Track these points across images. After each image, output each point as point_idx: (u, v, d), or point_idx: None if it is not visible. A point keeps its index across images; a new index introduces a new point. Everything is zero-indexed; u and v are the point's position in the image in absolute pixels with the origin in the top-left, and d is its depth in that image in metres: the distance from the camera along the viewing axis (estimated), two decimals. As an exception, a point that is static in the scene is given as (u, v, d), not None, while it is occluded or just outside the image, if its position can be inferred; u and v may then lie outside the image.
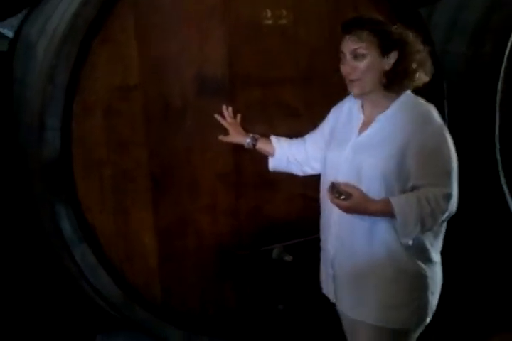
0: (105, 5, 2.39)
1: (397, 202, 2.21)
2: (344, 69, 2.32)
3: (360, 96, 2.38)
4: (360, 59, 2.27)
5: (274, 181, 2.85)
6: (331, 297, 2.52)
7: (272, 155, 2.69)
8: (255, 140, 2.68)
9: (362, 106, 2.44)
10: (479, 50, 3.04)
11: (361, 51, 2.26)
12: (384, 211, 2.23)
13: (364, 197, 2.24)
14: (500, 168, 3.11)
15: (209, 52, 2.63)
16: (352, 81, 2.32)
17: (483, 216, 3.29)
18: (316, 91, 2.84)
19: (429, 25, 2.86)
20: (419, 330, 2.44)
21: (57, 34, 2.32)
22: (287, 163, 2.68)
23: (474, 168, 3.04)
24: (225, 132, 2.67)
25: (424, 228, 2.24)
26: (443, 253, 2.43)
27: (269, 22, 2.69)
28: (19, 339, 2.87)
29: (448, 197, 2.24)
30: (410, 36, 2.30)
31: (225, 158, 2.75)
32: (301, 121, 2.78)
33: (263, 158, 2.75)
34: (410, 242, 2.28)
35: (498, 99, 3.07)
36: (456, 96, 2.93)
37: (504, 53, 3.01)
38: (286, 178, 2.83)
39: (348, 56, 2.30)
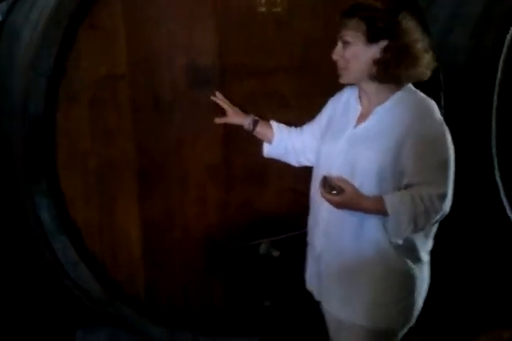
0: (92, -11, 2.28)
1: (390, 200, 2.15)
2: (333, 56, 2.27)
3: (349, 84, 2.33)
4: (346, 47, 2.21)
5: (264, 174, 2.77)
6: (315, 294, 2.48)
7: (270, 141, 2.61)
8: (256, 122, 2.59)
9: (360, 97, 2.35)
10: (480, 42, 2.97)
11: (347, 38, 2.20)
12: (376, 208, 2.18)
13: (357, 192, 2.18)
14: (495, 163, 3.05)
15: (200, 41, 2.52)
16: (339, 69, 2.26)
17: (477, 214, 3.24)
18: (311, 82, 2.74)
19: (427, 16, 2.76)
20: (404, 331, 2.40)
21: (41, 19, 2.21)
22: (284, 152, 2.60)
23: (470, 163, 2.98)
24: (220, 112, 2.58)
25: (417, 228, 2.18)
26: (434, 253, 2.39)
27: (263, 9, 2.58)
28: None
29: (443, 196, 2.18)
30: (404, 24, 2.19)
31: (214, 151, 2.66)
32: (293, 113, 2.69)
33: (253, 151, 2.68)
34: (400, 241, 2.23)
35: (496, 91, 3.01)
36: (454, 88, 2.86)
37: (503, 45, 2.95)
38: (277, 172, 2.78)
39: (339, 44, 2.24)
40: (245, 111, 2.61)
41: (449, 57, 2.17)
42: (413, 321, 2.39)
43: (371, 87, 2.26)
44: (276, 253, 2.75)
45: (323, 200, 2.21)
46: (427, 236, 2.33)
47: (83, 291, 2.52)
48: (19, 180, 2.37)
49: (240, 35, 2.58)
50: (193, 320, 2.80)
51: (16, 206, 2.53)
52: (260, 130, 2.59)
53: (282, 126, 2.61)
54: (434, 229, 2.34)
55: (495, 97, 2.94)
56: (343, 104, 2.41)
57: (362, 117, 2.30)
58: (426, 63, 2.22)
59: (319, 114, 2.54)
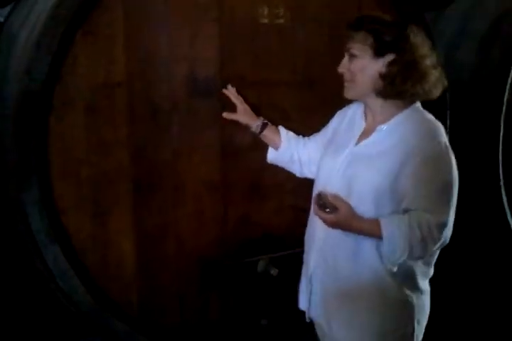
0: (91, -5, 2.25)
1: (386, 224, 2.06)
2: (339, 69, 2.21)
3: (353, 99, 2.27)
4: (352, 60, 2.16)
5: (264, 189, 2.70)
6: (306, 313, 2.41)
7: (276, 147, 2.55)
8: (264, 126, 2.53)
9: (365, 113, 2.29)
10: (487, 58, 2.91)
11: (353, 51, 2.15)
12: (371, 231, 2.09)
13: (351, 212, 2.10)
14: (502, 188, 2.97)
15: (201, 51, 2.48)
16: (345, 82, 2.21)
17: (483, 236, 3.15)
18: (313, 97, 2.70)
19: (434, 31, 2.71)
20: None
21: (38, 24, 2.18)
22: (289, 160, 2.55)
23: (475, 188, 2.91)
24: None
25: (412, 256, 2.09)
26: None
27: (266, 21, 2.54)
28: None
29: (442, 225, 2.08)
30: (412, 38, 2.13)
31: (212, 163, 2.60)
32: (294, 126, 2.61)
33: (253, 165, 2.63)
34: (395, 269, 2.14)
35: (503, 110, 2.94)
36: (460, 106, 2.80)
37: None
38: (276, 187, 2.72)
39: (345, 56, 2.19)
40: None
41: (455, 73, 2.12)
42: None
43: (376, 103, 2.20)
44: (274, 272, 2.67)
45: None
46: (427, 263, 2.24)
47: (73, 303, 2.45)
48: (10, 187, 2.31)
49: (241, 47, 2.55)
50: (187, 338, 2.71)
51: (7, 213, 2.47)
52: (268, 134, 2.53)
53: (291, 134, 2.56)
54: (435, 256, 2.25)
55: (502, 117, 2.88)
56: (349, 119, 2.36)
57: (365, 134, 2.24)
58: (434, 80, 2.15)
59: (325, 127, 2.48)
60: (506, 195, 3.03)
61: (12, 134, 2.24)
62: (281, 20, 2.56)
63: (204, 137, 2.54)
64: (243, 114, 2.51)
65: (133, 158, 2.45)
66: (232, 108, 2.52)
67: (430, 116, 2.22)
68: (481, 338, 3.31)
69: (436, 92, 2.18)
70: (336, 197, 2.13)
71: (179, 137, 2.52)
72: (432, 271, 2.28)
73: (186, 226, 2.60)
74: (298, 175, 2.57)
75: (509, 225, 3.07)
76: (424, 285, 2.26)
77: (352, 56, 2.16)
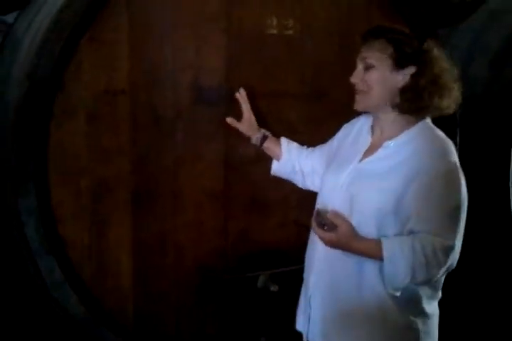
0: (96, 1, 2.21)
1: (388, 246, 1.96)
2: (352, 79, 2.10)
3: (365, 111, 2.16)
4: (369, 70, 2.05)
5: (267, 203, 2.64)
6: (304, 336, 2.29)
7: (278, 158, 2.48)
8: (265, 137, 2.46)
9: (372, 127, 2.19)
10: (500, 73, 2.85)
11: (371, 61, 2.04)
12: (371, 253, 1.99)
13: (351, 232, 2.00)
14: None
15: (207, 60, 2.45)
16: (357, 93, 2.09)
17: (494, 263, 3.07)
18: (320, 109, 2.64)
19: (447, 46, 2.66)
20: None
21: (41, 29, 2.15)
22: (291, 172, 2.48)
23: (484, 201, 2.83)
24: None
25: (415, 280, 1.98)
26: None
27: (274, 31, 2.50)
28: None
29: (448, 249, 1.97)
30: (434, 51, 2.05)
31: (215, 174, 2.54)
32: (301, 139, 2.54)
33: (257, 177, 2.58)
34: (398, 293, 2.02)
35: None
36: (470, 121, 2.74)
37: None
38: (280, 201, 2.66)
39: (359, 66, 2.08)
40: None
41: (468, 88, 2.06)
42: None
43: (388, 117, 2.10)
44: (274, 288, 2.60)
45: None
46: (433, 287, 2.12)
47: (67, 315, 2.39)
48: (7, 193, 2.27)
49: (249, 57, 2.50)
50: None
51: (3, 220, 2.43)
52: (269, 146, 2.47)
53: (293, 145, 2.49)
54: (442, 280, 2.13)
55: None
56: (356, 133, 2.26)
57: (370, 150, 2.13)
58: (454, 96, 2.07)
59: (331, 139, 2.40)
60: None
61: (11, 139, 2.21)
62: (290, 32, 2.52)
63: (207, 147, 2.50)
64: (246, 125, 2.45)
65: (134, 167, 2.41)
66: (237, 118, 2.46)
67: (441, 133, 2.12)
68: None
69: (454, 108, 2.10)
70: (336, 214, 2.04)
71: (182, 146, 2.47)
72: (440, 294, 2.16)
73: (185, 236, 2.54)
74: (301, 186, 2.50)
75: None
76: (431, 308, 2.13)
77: (369, 66, 2.05)
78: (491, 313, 3.29)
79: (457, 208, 2.00)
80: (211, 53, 2.44)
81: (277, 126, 2.58)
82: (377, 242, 1.97)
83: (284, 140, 2.49)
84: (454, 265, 2.03)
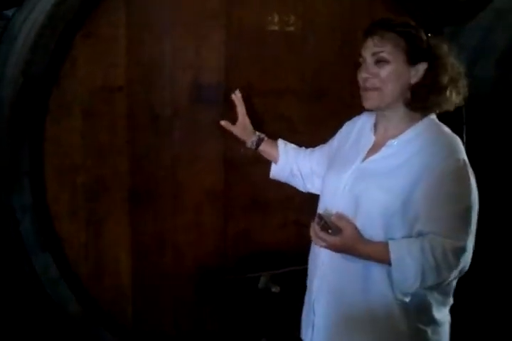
0: (92, -5, 2.19)
1: (396, 249, 1.87)
2: (361, 75, 2.00)
3: (376, 109, 2.05)
4: (382, 65, 1.95)
5: (267, 203, 2.60)
6: None
7: (276, 161, 2.42)
8: (260, 140, 2.39)
9: (375, 125, 2.11)
10: (506, 73, 2.79)
11: (385, 55, 1.94)
12: (378, 256, 1.91)
13: (356, 235, 1.93)
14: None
15: (206, 57, 2.41)
16: (367, 90, 1.99)
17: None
18: (321, 108, 2.58)
19: (454, 45, 2.61)
20: None
21: (36, 24, 2.13)
22: (290, 175, 2.41)
23: (493, 200, 2.76)
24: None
25: (425, 285, 1.88)
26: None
27: (275, 28, 2.45)
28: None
29: (460, 251, 1.88)
30: (444, 47, 1.99)
31: (214, 174, 2.51)
32: (301, 139, 2.49)
33: (257, 177, 2.53)
34: (407, 299, 1.93)
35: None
36: (477, 121, 2.68)
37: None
38: (281, 201, 2.62)
39: (369, 60, 1.98)
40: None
41: (474, 87, 2.01)
42: None
43: (395, 115, 2.02)
44: (276, 289, 2.55)
45: None
46: (444, 293, 2.02)
47: (63, 313, 2.36)
48: (2, 188, 2.25)
49: (248, 54, 2.46)
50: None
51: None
52: (265, 149, 2.41)
53: (290, 146, 2.42)
54: (454, 284, 2.03)
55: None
56: (357, 131, 2.18)
57: (373, 149, 2.05)
58: (464, 91, 2.01)
59: (332, 138, 2.33)
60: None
61: (6, 135, 2.19)
62: (292, 28, 2.48)
63: (206, 146, 2.46)
64: (241, 128, 2.39)
65: (131, 165, 2.38)
66: (236, 115, 2.41)
67: (448, 130, 2.03)
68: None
69: (459, 102, 2.03)
70: (339, 217, 1.96)
71: (180, 145, 2.44)
72: (451, 300, 2.07)
73: (185, 236, 2.50)
74: (301, 189, 2.43)
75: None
76: (441, 315, 2.03)
77: (382, 61, 1.95)
78: (507, 320, 3.21)
79: (468, 207, 1.91)
80: (210, 50, 2.41)
81: (277, 125, 2.54)
82: (384, 245, 1.90)
83: (280, 142, 2.43)
84: (467, 268, 1.93)
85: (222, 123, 2.38)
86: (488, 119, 2.84)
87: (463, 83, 2.01)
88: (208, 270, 2.55)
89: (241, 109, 2.39)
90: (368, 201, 1.96)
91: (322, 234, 1.93)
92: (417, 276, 1.86)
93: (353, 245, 1.92)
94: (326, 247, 1.97)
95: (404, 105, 2.00)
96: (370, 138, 2.10)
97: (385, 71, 1.95)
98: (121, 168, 2.36)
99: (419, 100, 1.97)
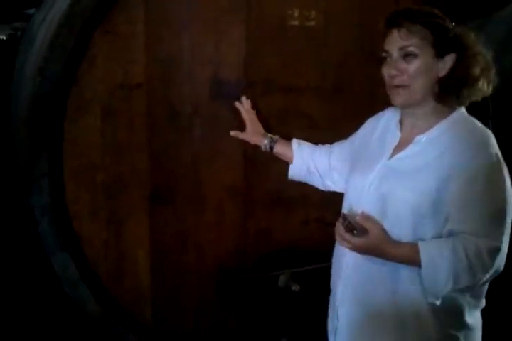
0: (108, -7, 2.15)
1: (426, 250, 1.79)
2: (388, 71, 1.92)
3: (406, 107, 1.96)
4: (410, 59, 1.87)
5: (289, 200, 2.55)
6: None
7: (292, 161, 2.37)
8: (274, 142, 2.35)
9: (401, 121, 2.03)
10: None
11: (413, 49, 1.86)
12: (407, 258, 1.83)
13: (383, 236, 1.85)
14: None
15: (225, 53, 2.36)
16: (397, 87, 1.91)
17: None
18: (343, 104, 2.52)
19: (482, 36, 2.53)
20: None
21: (53, 23, 2.10)
22: (307, 174, 2.36)
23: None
24: (241, 129, 2.38)
25: (458, 287, 1.80)
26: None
27: (296, 23, 2.39)
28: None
29: (494, 251, 1.80)
30: (472, 36, 1.90)
31: (235, 171, 2.47)
32: (322, 135, 2.45)
33: (278, 174, 2.47)
34: (438, 302, 1.84)
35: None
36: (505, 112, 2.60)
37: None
38: (303, 198, 2.56)
39: (396, 55, 1.89)
40: (270, 129, 2.42)
41: (501, 79, 1.94)
42: None
43: (424, 110, 1.93)
44: (296, 287, 2.51)
45: None
46: (476, 296, 1.94)
47: (83, 314, 2.35)
48: (21, 189, 2.23)
49: (268, 50, 2.40)
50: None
51: (18, 216, 2.39)
52: (280, 150, 2.36)
53: (305, 144, 2.37)
54: (486, 286, 1.95)
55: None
56: (382, 128, 2.10)
57: (400, 146, 1.97)
58: (493, 80, 1.92)
59: (353, 134, 2.27)
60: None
61: (24, 135, 2.17)
62: (312, 23, 2.42)
63: (226, 142, 2.41)
64: (252, 134, 2.36)
65: (151, 163, 2.35)
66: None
67: (478, 123, 1.94)
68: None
69: (489, 92, 1.94)
70: (365, 217, 1.88)
71: (200, 142, 2.40)
72: (483, 303, 1.98)
73: (205, 235, 2.47)
74: (322, 188, 2.38)
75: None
76: (474, 319, 1.95)
77: (410, 55, 1.87)
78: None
79: (502, 205, 1.82)
80: (230, 46, 2.36)
81: (298, 121, 2.49)
82: (413, 246, 1.82)
83: (294, 141, 2.38)
84: (501, 269, 1.85)
85: (232, 133, 2.36)
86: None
87: (493, 71, 1.93)
88: (229, 269, 2.52)
89: (247, 116, 2.36)
90: (396, 201, 1.88)
91: (347, 236, 1.86)
92: (448, 278, 1.78)
93: (380, 246, 1.85)
94: (351, 249, 1.90)
95: (433, 100, 1.92)
96: (396, 135, 2.02)
97: (413, 66, 1.87)
98: (141, 166, 2.34)
99: (450, 94, 1.89)
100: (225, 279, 2.53)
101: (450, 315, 1.91)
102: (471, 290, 1.89)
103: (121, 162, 2.31)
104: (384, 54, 1.94)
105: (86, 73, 2.19)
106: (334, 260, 2.16)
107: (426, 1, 2.36)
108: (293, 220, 2.58)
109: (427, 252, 1.80)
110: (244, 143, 2.43)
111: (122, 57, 2.24)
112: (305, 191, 2.52)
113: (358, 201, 1.99)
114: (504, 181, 1.84)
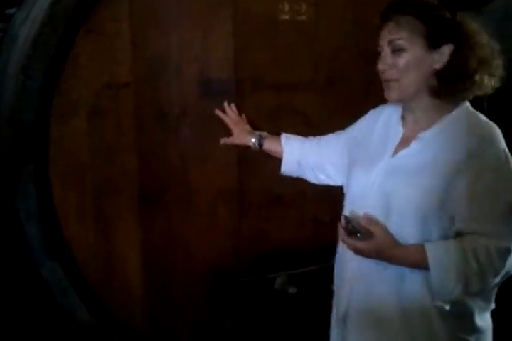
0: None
1: (433, 252, 1.72)
2: (379, 65, 1.86)
3: (399, 102, 1.91)
4: (399, 54, 1.81)
5: (283, 201, 2.49)
6: None
7: (282, 157, 2.32)
8: (262, 138, 2.30)
9: (402, 117, 1.96)
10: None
11: (401, 43, 1.80)
12: (414, 261, 1.77)
13: (389, 238, 1.78)
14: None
15: (214, 50, 2.29)
16: (388, 81, 1.86)
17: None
18: (337, 100, 2.47)
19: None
20: None
21: (35, 22, 2.03)
22: (299, 167, 2.30)
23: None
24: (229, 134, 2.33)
25: (468, 290, 1.73)
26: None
27: (286, 17, 2.33)
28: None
29: (505, 252, 1.72)
30: (473, 26, 1.82)
31: (227, 171, 2.40)
32: (316, 133, 2.37)
33: (272, 174, 2.40)
34: (447, 307, 1.77)
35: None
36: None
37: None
38: (297, 198, 2.50)
39: (386, 49, 1.84)
40: (262, 128, 2.37)
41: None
42: None
43: (422, 105, 1.87)
44: (292, 290, 2.45)
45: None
46: (486, 299, 1.87)
47: (72, 321, 2.27)
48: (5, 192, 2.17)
49: (258, 45, 2.34)
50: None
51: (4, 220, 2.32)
52: (269, 146, 2.31)
53: (293, 138, 2.32)
54: (496, 289, 1.88)
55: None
56: (383, 123, 2.03)
57: (403, 143, 1.90)
58: (498, 73, 1.84)
59: (351, 126, 2.20)
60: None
61: (7, 135, 2.10)
62: (303, 17, 2.36)
63: (217, 142, 2.34)
64: (239, 136, 2.31)
65: (140, 164, 2.28)
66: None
67: (484, 118, 1.87)
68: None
69: (496, 84, 1.86)
70: (369, 219, 1.82)
71: (190, 141, 2.33)
72: (493, 305, 1.91)
73: (197, 240, 2.40)
74: (315, 182, 2.31)
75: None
76: (484, 321, 1.89)
77: (398, 49, 1.81)
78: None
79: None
80: (218, 42, 2.30)
81: (291, 118, 2.43)
82: (420, 248, 1.75)
83: (283, 135, 2.32)
84: None
85: (222, 141, 2.32)
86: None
87: (496, 63, 1.84)
88: (222, 271, 2.45)
89: (229, 120, 2.32)
90: (401, 199, 1.81)
91: (349, 240, 1.80)
92: (458, 281, 1.71)
93: (386, 250, 1.78)
94: (355, 252, 1.83)
95: (430, 94, 1.85)
96: (399, 131, 1.95)
97: (403, 60, 1.81)
98: (130, 167, 2.26)
99: (447, 87, 1.82)
100: (219, 283, 2.45)
101: (460, 319, 1.84)
102: (481, 293, 1.83)
103: (109, 163, 2.24)
104: (379, 48, 1.89)
105: (71, 73, 2.12)
106: (336, 266, 2.09)
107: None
108: (289, 220, 2.51)
109: (434, 254, 1.73)
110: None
111: (108, 56, 2.17)
112: (300, 190, 2.47)
113: (361, 199, 1.92)
114: None
